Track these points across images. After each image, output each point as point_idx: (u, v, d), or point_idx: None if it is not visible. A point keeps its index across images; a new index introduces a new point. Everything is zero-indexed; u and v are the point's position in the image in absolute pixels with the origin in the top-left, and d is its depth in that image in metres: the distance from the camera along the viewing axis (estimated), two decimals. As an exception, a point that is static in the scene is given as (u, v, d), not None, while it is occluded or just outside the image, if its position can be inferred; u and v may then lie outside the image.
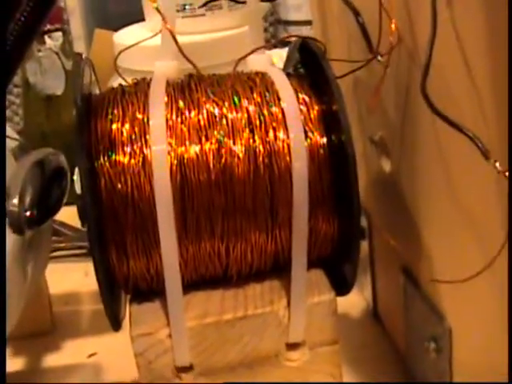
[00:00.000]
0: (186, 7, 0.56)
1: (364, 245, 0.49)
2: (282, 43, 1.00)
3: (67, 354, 0.52)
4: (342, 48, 0.43)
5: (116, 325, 0.38)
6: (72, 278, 0.61)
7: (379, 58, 0.36)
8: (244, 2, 0.45)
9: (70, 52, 0.75)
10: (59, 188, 0.43)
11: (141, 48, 0.50)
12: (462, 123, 0.29)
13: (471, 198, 0.33)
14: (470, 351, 0.37)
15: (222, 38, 0.68)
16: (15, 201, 0.40)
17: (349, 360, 0.46)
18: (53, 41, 0.72)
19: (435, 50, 0.29)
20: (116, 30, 0.78)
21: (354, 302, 0.52)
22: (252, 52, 0.42)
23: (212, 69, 0.68)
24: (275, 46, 0.51)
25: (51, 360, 0.51)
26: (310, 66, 0.40)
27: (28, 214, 0.40)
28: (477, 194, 0.32)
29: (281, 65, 0.88)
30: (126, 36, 0.74)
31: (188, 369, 0.39)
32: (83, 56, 0.40)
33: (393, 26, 0.32)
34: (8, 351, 0.52)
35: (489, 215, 0.31)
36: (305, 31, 1.06)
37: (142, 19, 0.76)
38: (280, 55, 1.02)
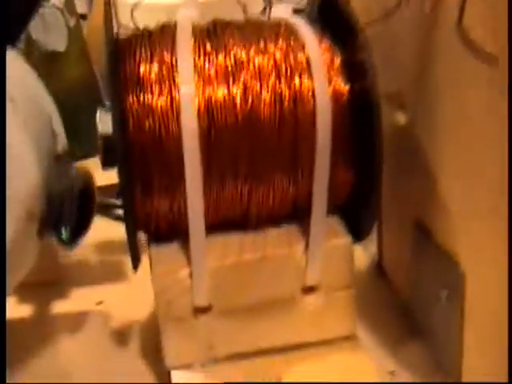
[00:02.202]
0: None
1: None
2: None
3: (75, 303, 0.52)
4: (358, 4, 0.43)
5: (136, 261, 0.39)
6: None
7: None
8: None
9: (74, 9, 0.74)
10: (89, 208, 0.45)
11: (144, 6, 0.50)
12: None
13: (488, 144, 0.34)
14: (482, 297, 0.38)
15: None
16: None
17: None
18: (57, -3, 0.72)
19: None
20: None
21: (358, 258, 0.53)
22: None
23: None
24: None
25: (59, 307, 0.52)
26: (329, 18, 0.41)
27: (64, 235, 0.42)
28: (494, 142, 0.33)
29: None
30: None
31: (206, 309, 0.40)
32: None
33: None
34: (15, 299, 0.52)
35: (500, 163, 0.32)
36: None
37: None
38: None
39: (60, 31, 0.73)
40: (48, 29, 0.72)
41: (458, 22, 0.31)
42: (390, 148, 0.43)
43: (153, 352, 0.46)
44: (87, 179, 0.47)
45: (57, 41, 0.73)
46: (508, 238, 0.32)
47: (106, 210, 0.66)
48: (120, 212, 0.65)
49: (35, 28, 0.72)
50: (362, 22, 0.39)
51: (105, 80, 0.36)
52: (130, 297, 0.52)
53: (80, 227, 0.45)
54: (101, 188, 0.68)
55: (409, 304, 0.47)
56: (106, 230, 0.62)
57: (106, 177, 0.68)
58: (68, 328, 0.49)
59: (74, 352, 0.47)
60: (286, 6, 0.43)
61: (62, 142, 0.49)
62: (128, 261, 0.55)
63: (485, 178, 0.35)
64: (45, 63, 0.74)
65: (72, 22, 0.74)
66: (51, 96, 0.65)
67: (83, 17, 0.89)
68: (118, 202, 0.65)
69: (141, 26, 0.57)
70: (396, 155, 0.41)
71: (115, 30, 0.43)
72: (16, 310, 0.51)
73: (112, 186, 0.68)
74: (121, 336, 0.48)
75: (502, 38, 0.30)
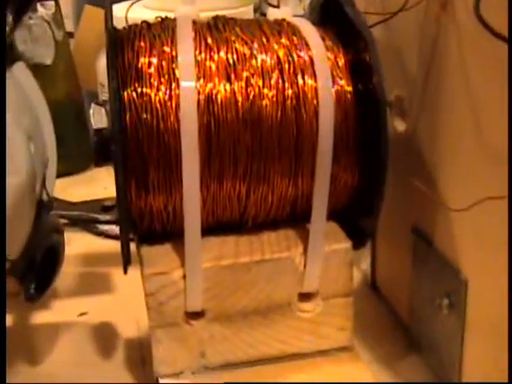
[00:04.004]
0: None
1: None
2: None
3: (57, 313, 0.50)
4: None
5: (127, 263, 0.37)
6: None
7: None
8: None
9: (61, 23, 0.73)
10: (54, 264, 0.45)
11: (134, 21, 0.49)
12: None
13: (503, 147, 0.33)
14: (485, 304, 0.36)
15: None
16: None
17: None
18: (45, 9, 0.71)
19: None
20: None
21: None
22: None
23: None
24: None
25: (41, 318, 0.50)
26: (333, 17, 0.40)
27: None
28: (498, 150, 0.32)
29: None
30: (119, 10, 0.73)
31: (199, 315, 0.38)
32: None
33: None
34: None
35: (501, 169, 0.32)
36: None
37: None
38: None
39: (47, 44, 0.72)
40: (35, 41, 0.71)
41: (475, 5, 0.30)
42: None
43: (137, 364, 0.44)
44: (58, 235, 0.45)
45: (44, 54, 0.72)
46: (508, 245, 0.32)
47: (89, 226, 0.64)
48: (103, 228, 0.63)
49: (22, 39, 0.71)
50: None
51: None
52: (114, 308, 0.50)
53: (43, 283, 0.44)
54: (83, 203, 0.66)
55: (406, 317, 0.46)
56: (89, 245, 0.61)
57: (89, 192, 0.67)
58: (50, 339, 0.47)
59: (57, 363, 0.45)
60: (286, 8, 0.43)
61: (51, 184, 0.47)
62: (112, 273, 0.55)
63: (486, 183, 0.34)
64: (31, 76, 0.72)
65: (59, 36, 0.72)
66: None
67: (70, 34, 0.88)
68: (101, 217, 0.64)
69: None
70: (393, 161, 0.40)
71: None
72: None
73: (95, 201, 0.67)
74: (104, 347, 0.46)
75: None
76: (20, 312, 0.50)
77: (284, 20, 0.40)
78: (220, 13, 0.64)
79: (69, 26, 0.89)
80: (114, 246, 0.60)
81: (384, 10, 0.40)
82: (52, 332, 0.48)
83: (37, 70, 0.72)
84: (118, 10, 0.73)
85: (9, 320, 0.49)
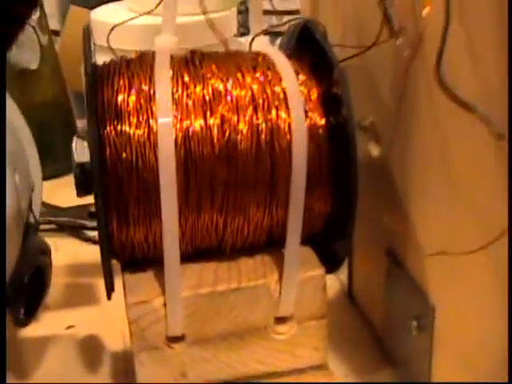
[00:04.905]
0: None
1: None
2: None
3: (44, 326, 0.52)
4: (334, 35, 0.44)
5: (110, 291, 0.39)
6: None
7: (398, 41, 0.37)
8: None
9: (47, 27, 0.74)
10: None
11: (120, 27, 0.50)
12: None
13: (470, 180, 0.34)
14: (452, 329, 0.38)
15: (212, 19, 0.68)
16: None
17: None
18: (30, 14, 0.71)
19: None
20: (91, 8, 0.77)
21: (329, 285, 0.54)
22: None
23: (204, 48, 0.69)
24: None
25: (29, 330, 0.51)
26: (309, 48, 0.41)
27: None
28: (477, 177, 0.34)
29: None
30: (103, 13, 0.74)
31: (179, 339, 0.40)
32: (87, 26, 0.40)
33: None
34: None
35: (490, 199, 0.33)
36: (276, 21, 1.07)
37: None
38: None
39: (33, 49, 0.73)
40: (20, 46, 0.72)
41: (435, 70, 0.31)
42: (363, 177, 0.44)
43: (123, 377, 0.46)
44: (45, 256, 0.47)
45: (29, 58, 0.73)
46: None
47: (77, 232, 0.66)
48: (90, 233, 0.65)
49: (7, 45, 0.71)
50: (339, 54, 0.40)
51: (81, 104, 0.36)
52: (101, 320, 0.52)
53: (32, 306, 0.45)
54: (70, 208, 0.68)
55: (380, 332, 0.47)
56: (76, 252, 0.62)
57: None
58: (37, 352, 0.49)
59: (43, 377, 0.47)
60: (264, 37, 0.44)
61: (37, 206, 0.49)
62: (100, 284, 0.56)
63: (454, 212, 0.36)
64: (17, 81, 0.74)
65: (45, 40, 0.73)
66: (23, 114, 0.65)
67: (55, 33, 0.88)
68: (89, 223, 0.65)
69: (115, 46, 0.58)
70: (369, 185, 0.41)
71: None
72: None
73: (82, 206, 0.68)
74: (91, 361, 0.48)
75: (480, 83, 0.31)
76: (7, 324, 0.51)
77: (259, 54, 0.41)
78: (203, 17, 0.65)
79: (53, 24, 0.89)
80: (101, 253, 0.62)
81: (359, 42, 0.41)
82: (40, 345, 0.50)
83: (22, 74, 0.74)
84: (101, 14, 0.74)
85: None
